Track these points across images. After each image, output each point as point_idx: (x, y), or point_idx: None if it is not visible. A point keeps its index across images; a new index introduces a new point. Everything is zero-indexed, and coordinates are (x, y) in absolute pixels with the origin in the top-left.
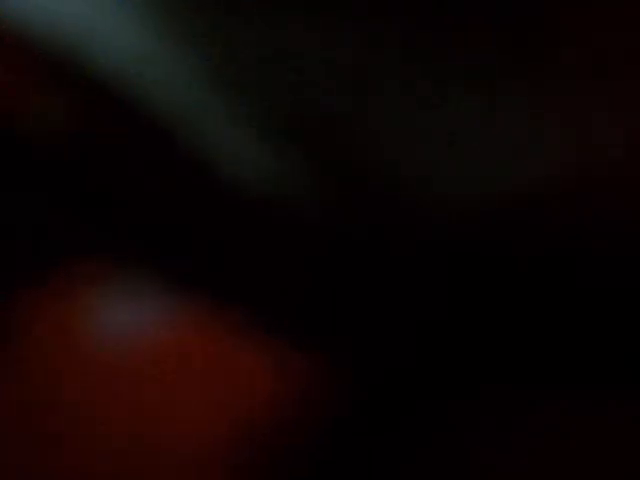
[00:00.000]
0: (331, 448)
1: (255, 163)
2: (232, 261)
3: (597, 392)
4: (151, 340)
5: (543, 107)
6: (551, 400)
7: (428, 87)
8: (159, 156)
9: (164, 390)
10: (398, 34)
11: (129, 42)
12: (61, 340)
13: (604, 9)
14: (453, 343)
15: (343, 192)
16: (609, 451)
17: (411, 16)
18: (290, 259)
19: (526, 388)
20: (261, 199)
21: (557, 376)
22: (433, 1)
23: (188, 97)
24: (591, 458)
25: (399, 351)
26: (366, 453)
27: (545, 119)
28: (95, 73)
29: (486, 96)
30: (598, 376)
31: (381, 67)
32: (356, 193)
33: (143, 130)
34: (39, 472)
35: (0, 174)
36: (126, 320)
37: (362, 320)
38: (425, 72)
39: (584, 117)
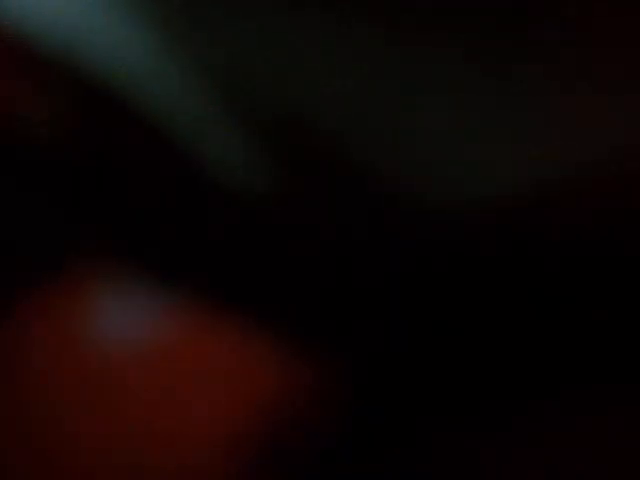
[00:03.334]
0: (334, 449)
1: (253, 165)
2: (233, 262)
3: (597, 392)
4: (152, 340)
5: (543, 107)
6: (551, 400)
7: (428, 87)
8: (157, 156)
9: (165, 390)
10: (397, 33)
11: (124, 42)
12: (61, 340)
13: (604, 9)
14: (453, 343)
15: (342, 193)
16: (609, 451)
17: (409, 15)
18: (290, 261)
19: (526, 388)
20: (260, 201)
21: (556, 376)
22: (433, 0)
23: (187, 99)
24: (591, 458)
25: (401, 351)
26: (368, 454)
27: (545, 119)
28: (92, 73)
29: (486, 96)
30: (598, 376)
31: (381, 69)
32: (356, 194)
33: (141, 130)
34: (39, 472)
35: (0, 174)
36: (127, 320)
37: (363, 321)
38: (424, 72)
39: (584, 117)
